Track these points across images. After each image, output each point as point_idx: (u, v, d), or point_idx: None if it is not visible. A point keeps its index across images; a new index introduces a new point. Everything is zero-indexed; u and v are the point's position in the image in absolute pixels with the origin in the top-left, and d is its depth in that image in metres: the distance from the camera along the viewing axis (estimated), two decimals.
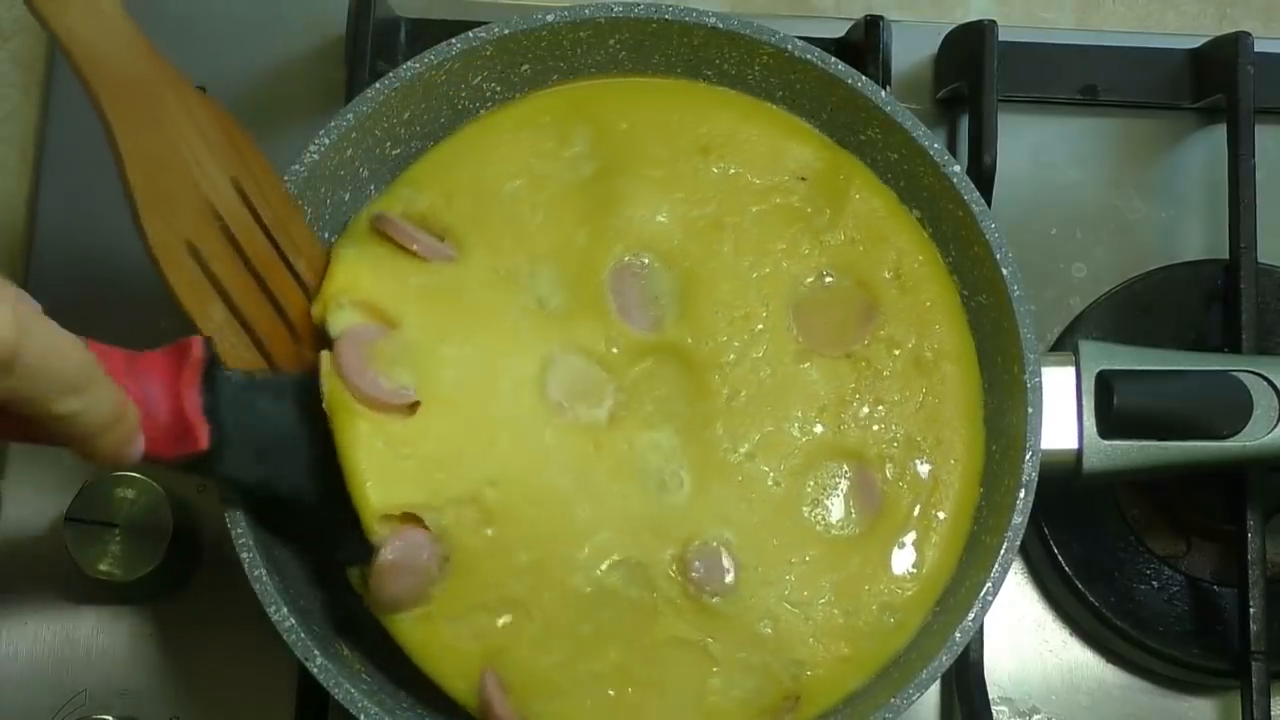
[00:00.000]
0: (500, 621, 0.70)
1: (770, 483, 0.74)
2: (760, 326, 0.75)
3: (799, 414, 0.74)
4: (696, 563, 0.72)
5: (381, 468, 0.68)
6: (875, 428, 0.75)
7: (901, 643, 0.74)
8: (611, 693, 0.71)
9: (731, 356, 0.74)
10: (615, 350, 0.73)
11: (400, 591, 0.69)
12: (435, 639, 0.70)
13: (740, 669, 0.72)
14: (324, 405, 0.68)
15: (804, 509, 0.74)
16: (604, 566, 0.71)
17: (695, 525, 0.72)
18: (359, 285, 0.71)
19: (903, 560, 0.74)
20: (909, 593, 0.74)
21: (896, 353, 0.76)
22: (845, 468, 0.75)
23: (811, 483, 0.74)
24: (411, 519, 0.69)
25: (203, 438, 0.64)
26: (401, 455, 0.69)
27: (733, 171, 0.76)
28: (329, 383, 0.68)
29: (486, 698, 0.70)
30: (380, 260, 0.73)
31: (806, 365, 0.75)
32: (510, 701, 0.71)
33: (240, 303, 0.68)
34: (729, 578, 0.72)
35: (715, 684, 0.72)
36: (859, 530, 0.74)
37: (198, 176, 0.66)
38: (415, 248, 0.73)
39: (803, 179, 0.77)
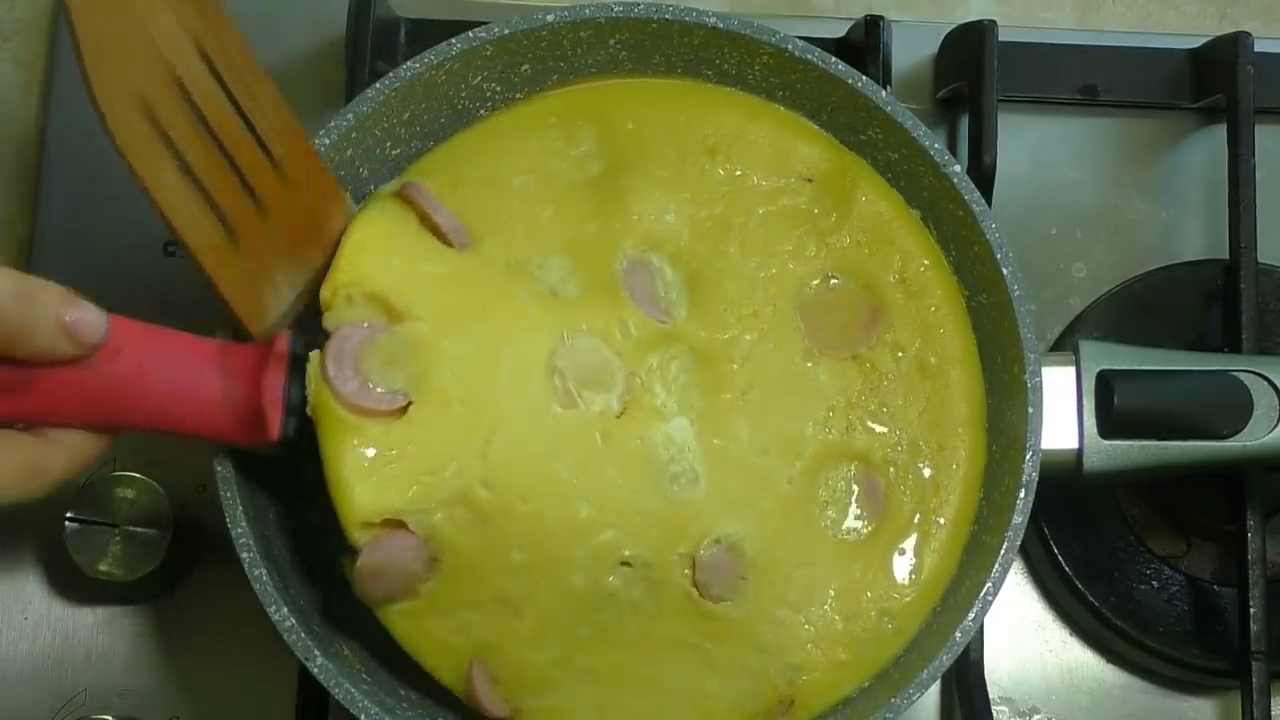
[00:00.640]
0: (492, 619, 0.70)
1: (785, 482, 0.73)
2: (767, 325, 0.74)
3: (809, 414, 0.74)
4: (707, 562, 0.71)
5: (366, 474, 0.67)
6: (880, 431, 0.75)
7: (898, 648, 0.73)
8: (605, 691, 0.71)
9: (742, 351, 0.74)
10: (629, 334, 0.72)
11: (384, 591, 0.69)
12: (423, 632, 0.70)
13: (737, 672, 0.72)
14: (307, 411, 0.67)
15: (814, 511, 0.74)
16: (607, 566, 0.70)
17: (708, 522, 0.71)
18: (371, 277, 0.70)
19: (903, 566, 0.74)
20: (907, 599, 0.74)
21: (900, 356, 0.75)
22: (852, 470, 0.74)
23: (821, 484, 0.74)
24: (396, 522, 0.68)
25: (274, 427, 0.66)
26: (389, 460, 0.68)
27: (739, 173, 0.76)
28: (315, 387, 0.67)
29: (473, 689, 0.70)
30: (395, 241, 0.72)
31: (814, 365, 0.75)
32: (500, 693, 0.70)
33: (200, 169, 0.65)
34: (738, 579, 0.72)
35: (711, 687, 0.72)
36: (862, 535, 0.74)
37: (154, 33, 0.63)
38: (439, 218, 0.72)
39: (809, 180, 0.77)
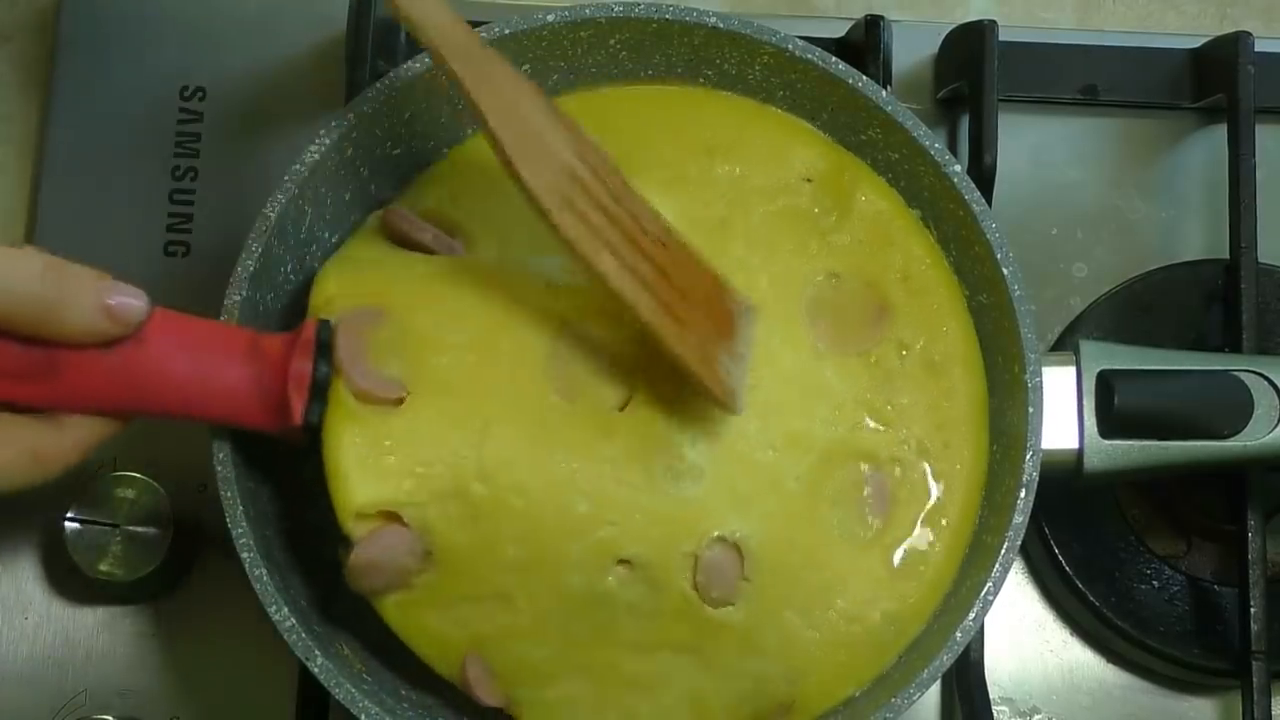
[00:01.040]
0: (487, 613, 0.69)
1: (792, 479, 0.72)
2: (774, 320, 0.73)
3: (817, 411, 0.73)
4: (709, 563, 0.70)
5: (364, 465, 0.67)
6: (887, 429, 0.74)
7: (899, 652, 0.73)
8: (600, 688, 0.71)
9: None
10: (634, 325, 0.70)
11: (377, 584, 0.69)
12: (418, 622, 0.70)
13: (735, 675, 0.71)
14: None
15: (821, 510, 0.72)
16: (604, 565, 0.69)
17: (712, 520, 0.70)
18: (347, 293, 0.70)
19: (909, 568, 0.73)
20: (911, 601, 0.73)
21: (906, 354, 0.75)
22: (860, 469, 0.73)
23: (828, 483, 0.72)
24: (391, 515, 0.68)
25: (297, 412, 0.66)
26: (385, 451, 0.68)
27: (739, 173, 0.76)
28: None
29: (468, 679, 0.70)
30: (381, 261, 0.73)
31: (821, 362, 0.74)
32: (495, 684, 0.70)
33: (622, 251, 0.67)
34: (741, 582, 0.70)
35: (708, 688, 0.71)
36: (869, 536, 0.73)
37: (549, 139, 0.67)
38: (427, 238, 0.73)
39: (808, 180, 0.77)
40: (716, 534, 0.70)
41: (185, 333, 0.66)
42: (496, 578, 0.69)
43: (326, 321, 0.68)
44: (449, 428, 0.68)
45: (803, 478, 0.72)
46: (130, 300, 0.62)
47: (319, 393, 0.67)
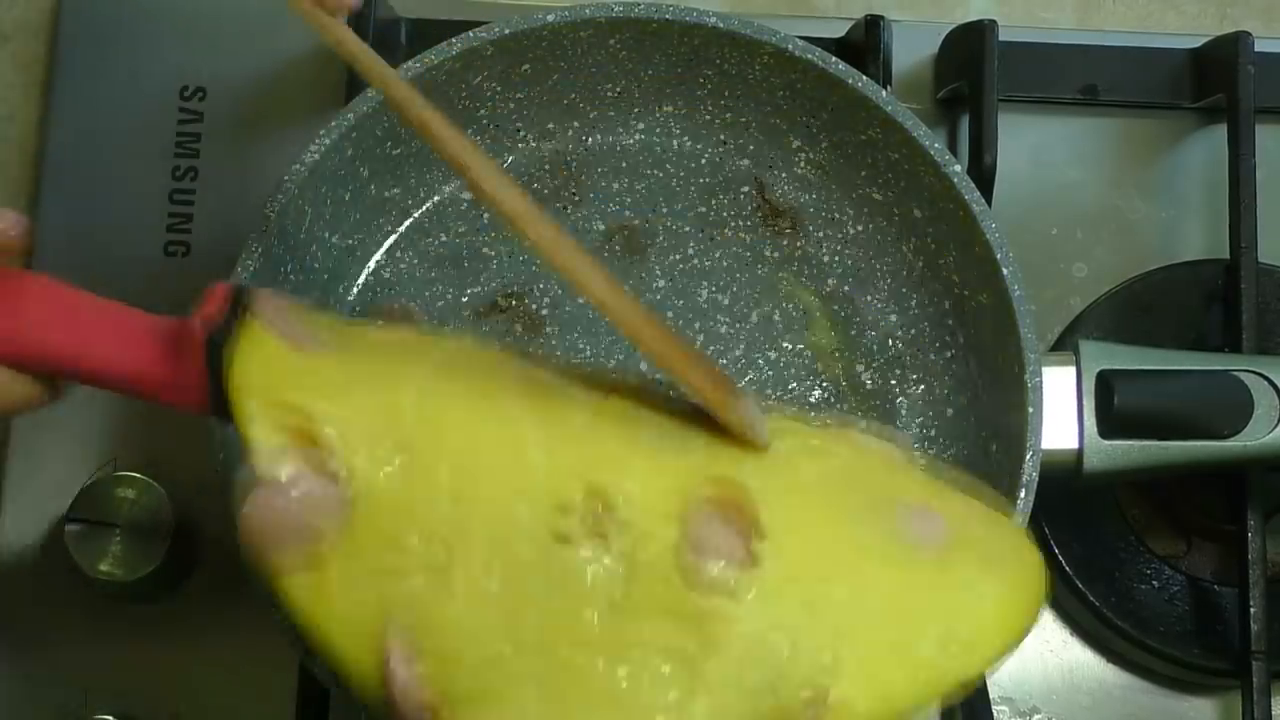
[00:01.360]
0: (414, 594, 0.55)
1: (811, 473, 0.59)
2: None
3: (847, 434, 0.63)
4: (705, 525, 0.55)
5: (280, 367, 0.56)
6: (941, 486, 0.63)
7: (966, 675, 0.57)
8: (553, 706, 0.55)
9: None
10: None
11: (276, 553, 0.56)
12: (327, 606, 0.56)
13: (735, 691, 0.55)
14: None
15: (852, 499, 0.59)
16: (564, 526, 0.55)
17: (708, 467, 0.57)
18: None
19: (970, 593, 0.59)
20: (978, 628, 0.58)
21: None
22: (908, 504, 0.60)
23: (861, 493, 0.60)
24: (306, 438, 0.56)
25: (193, 326, 0.59)
26: (304, 370, 0.57)
27: None
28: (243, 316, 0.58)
29: (391, 684, 0.55)
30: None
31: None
32: (425, 696, 0.55)
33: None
34: (747, 549, 0.55)
35: (698, 709, 0.55)
36: (918, 559, 0.58)
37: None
38: (421, 317, 0.69)
39: None
40: (716, 473, 0.56)
41: (80, 292, 0.62)
42: (427, 540, 0.55)
43: (244, 287, 0.59)
44: (382, 382, 0.57)
45: (826, 476, 0.60)
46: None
47: (225, 327, 0.57)
